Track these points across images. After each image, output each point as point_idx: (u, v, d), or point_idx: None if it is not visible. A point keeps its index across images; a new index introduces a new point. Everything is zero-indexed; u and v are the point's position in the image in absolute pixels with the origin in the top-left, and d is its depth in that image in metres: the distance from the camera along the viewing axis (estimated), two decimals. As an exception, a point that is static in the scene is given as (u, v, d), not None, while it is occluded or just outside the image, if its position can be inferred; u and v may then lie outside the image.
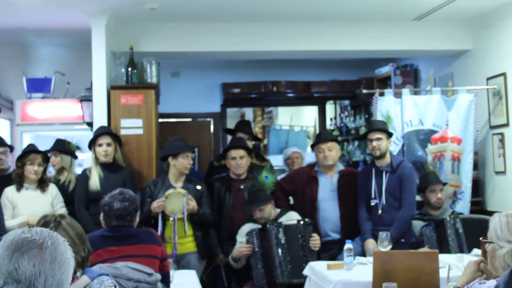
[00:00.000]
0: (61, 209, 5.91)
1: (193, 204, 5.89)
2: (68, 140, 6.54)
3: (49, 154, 6.31)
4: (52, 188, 6.01)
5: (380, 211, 6.08)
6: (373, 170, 6.19)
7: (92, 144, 6.20)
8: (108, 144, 6.15)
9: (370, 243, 5.95)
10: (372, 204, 6.13)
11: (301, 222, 5.73)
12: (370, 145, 6.17)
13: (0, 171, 6.27)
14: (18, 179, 5.87)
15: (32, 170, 5.85)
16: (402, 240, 5.95)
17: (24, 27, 7.26)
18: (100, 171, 6.11)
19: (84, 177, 6.13)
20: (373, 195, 6.13)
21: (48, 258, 2.00)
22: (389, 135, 6.21)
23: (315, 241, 5.69)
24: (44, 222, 3.11)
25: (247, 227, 5.87)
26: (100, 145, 6.14)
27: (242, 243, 5.81)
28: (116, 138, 6.28)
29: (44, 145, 6.49)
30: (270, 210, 5.86)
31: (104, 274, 3.21)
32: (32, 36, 7.80)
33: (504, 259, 2.87)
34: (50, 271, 1.99)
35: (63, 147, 6.44)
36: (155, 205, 5.84)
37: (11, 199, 5.80)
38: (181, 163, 6.03)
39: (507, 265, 2.86)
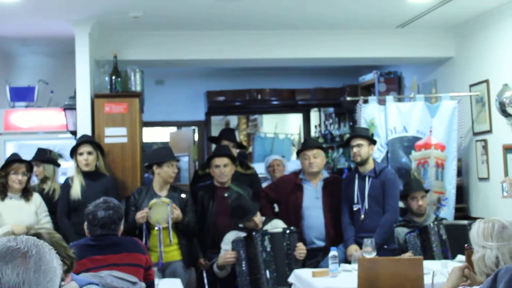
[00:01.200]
0: (45, 218, 5.88)
1: (177, 212, 5.88)
2: (49, 149, 6.51)
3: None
4: (36, 197, 5.97)
5: (362, 216, 6.10)
6: (356, 176, 6.22)
7: (73, 153, 6.18)
8: (89, 153, 6.13)
9: (352, 249, 5.95)
10: (355, 209, 6.15)
11: (287, 231, 5.73)
12: (351, 151, 6.22)
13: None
14: (2, 189, 5.83)
15: (16, 179, 5.82)
16: (385, 246, 5.96)
17: (7, 35, 7.23)
18: (82, 179, 6.08)
19: (66, 186, 6.11)
20: (355, 200, 6.15)
21: (32, 267, 1.96)
22: (371, 141, 6.23)
23: (300, 251, 5.69)
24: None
25: (232, 235, 5.86)
26: (81, 153, 6.12)
27: (227, 251, 5.81)
28: (98, 147, 6.26)
29: (27, 154, 6.45)
30: (259, 216, 5.88)
31: (94, 284, 3.20)
32: (15, 44, 7.77)
33: (478, 264, 2.92)
34: (34, 280, 1.96)
35: (45, 156, 6.40)
36: (139, 216, 5.83)
37: None
38: (166, 172, 6.02)
39: (482, 270, 2.90)
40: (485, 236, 2.90)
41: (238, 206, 5.86)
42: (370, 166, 6.20)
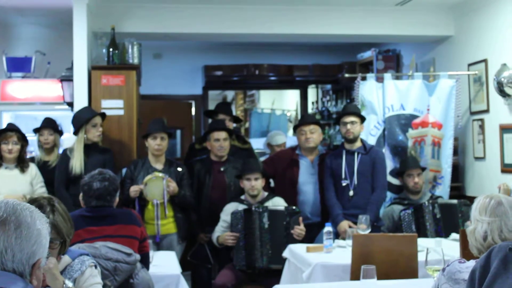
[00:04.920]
0: (41, 189, 5.88)
1: (173, 186, 5.88)
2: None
3: (34, 134, 6.28)
4: (32, 168, 5.96)
5: (351, 192, 6.11)
6: (344, 152, 6.22)
7: (82, 125, 6.04)
8: (101, 125, 6.11)
9: (345, 225, 5.94)
10: (344, 184, 6.14)
11: (289, 209, 5.75)
12: (344, 128, 6.20)
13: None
14: None
15: (6, 148, 5.81)
16: (375, 223, 5.95)
17: (4, 5, 7.18)
18: (83, 152, 6.05)
19: (64, 157, 6.06)
20: (343, 176, 6.15)
21: (12, 234, 1.93)
22: (362, 119, 6.24)
23: (299, 231, 5.70)
24: (38, 205, 3.05)
25: (232, 206, 5.88)
26: (95, 125, 6.07)
27: (225, 221, 5.85)
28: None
29: (24, 125, 6.44)
30: (261, 185, 5.89)
31: (85, 254, 3.21)
32: (13, 14, 7.72)
33: (470, 237, 2.95)
34: (17, 246, 1.93)
35: (55, 126, 6.39)
36: (132, 190, 5.83)
37: None
38: (150, 144, 6.03)
39: (472, 244, 2.92)
40: (480, 211, 2.92)
41: (246, 162, 6.00)
42: (358, 143, 6.22)
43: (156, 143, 6.02)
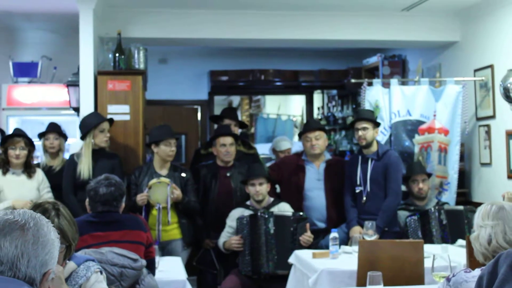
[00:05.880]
0: (47, 194, 5.88)
1: (177, 193, 5.87)
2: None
3: (39, 139, 6.30)
4: (39, 173, 5.97)
5: (364, 198, 6.10)
6: (359, 158, 6.22)
7: (89, 130, 6.02)
8: (108, 130, 6.11)
9: (356, 230, 5.97)
10: (357, 191, 6.16)
11: (296, 216, 5.74)
12: (356, 134, 6.20)
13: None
14: (2, 163, 5.84)
15: (14, 154, 5.81)
16: (386, 229, 5.96)
17: (11, 10, 7.19)
18: (90, 157, 6.04)
19: (71, 163, 6.05)
20: (358, 182, 6.16)
21: (30, 239, 1.98)
22: (376, 124, 6.22)
23: (308, 238, 5.70)
24: (43, 210, 3.06)
25: (238, 212, 5.88)
26: (102, 131, 6.06)
27: (231, 227, 5.85)
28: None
29: (30, 130, 6.44)
30: (266, 190, 5.89)
31: (90, 260, 3.20)
32: (19, 20, 7.74)
33: (474, 244, 2.95)
34: (33, 252, 1.98)
35: (60, 130, 6.40)
36: (139, 198, 5.82)
37: None
38: (163, 151, 6.01)
39: (477, 250, 2.93)
40: (482, 217, 2.94)
41: (251, 166, 6.01)
42: (373, 148, 6.19)
43: (170, 149, 6.02)
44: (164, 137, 6.01)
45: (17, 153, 5.82)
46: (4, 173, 5.83)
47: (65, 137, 6.47)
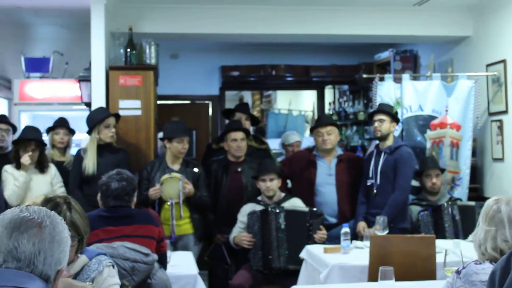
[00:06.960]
0: (60, 189, 5.91)
1: (189, 187, 5.88)
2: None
3: (47, 136, 6.32)
4: (52, 168, 6.00)
5: (375, 191, 6.09)
6: (375, 151, 6.21)
7: (95, 125, 6.03)
8: (114, 126, 6.12)
9: (360, 226, 5.99)
10: (368, 184, 6.15)
11: (310, 211, 5.73)
12: (373, 125, 6.19)
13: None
14: (16, 160, 5.87)
15: (27, 156, 5.82)
16: (391, 225, 5.88)
17: (22, 6, 7.21)
18: (96, 152, 6.05)
19: (78, 158, 6.06)
20: (370, 175, 6.14)
21: (47, 237, 2.00)
22: (394, 119, 6.20)
23: (321, 235, 5.70)
24: (54, 204, 3.07)
25: (249, 207, 5.88)
26: (108, 126, 6.07)
27: (242, 222, 5.85)
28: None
29: (42, 125, 6.45)
30: (277, 185, 5.89)
31: (102, 254, 3.21)
32: (31, 15, 7.75)
33: (473, 240, 2.94)
34: (49, 250, 1.99)
35: (69, 126, 6.42)
36: (152, 192, 5.84)
37: (12, 173, 5.83)
38: (176, 147, 6.02)
39: (475, 245, 2.92)
40: (482, 215, 2.94)
41: (263, 162, 6.00)
42: (389, 142, 6.17)
43: (183, 147, 6.04)
44: (177, 134, 6.02)
45: (28, 156, 5.83)
46: (18, 167, 5.85)
47: (73, 132, 6.49)
